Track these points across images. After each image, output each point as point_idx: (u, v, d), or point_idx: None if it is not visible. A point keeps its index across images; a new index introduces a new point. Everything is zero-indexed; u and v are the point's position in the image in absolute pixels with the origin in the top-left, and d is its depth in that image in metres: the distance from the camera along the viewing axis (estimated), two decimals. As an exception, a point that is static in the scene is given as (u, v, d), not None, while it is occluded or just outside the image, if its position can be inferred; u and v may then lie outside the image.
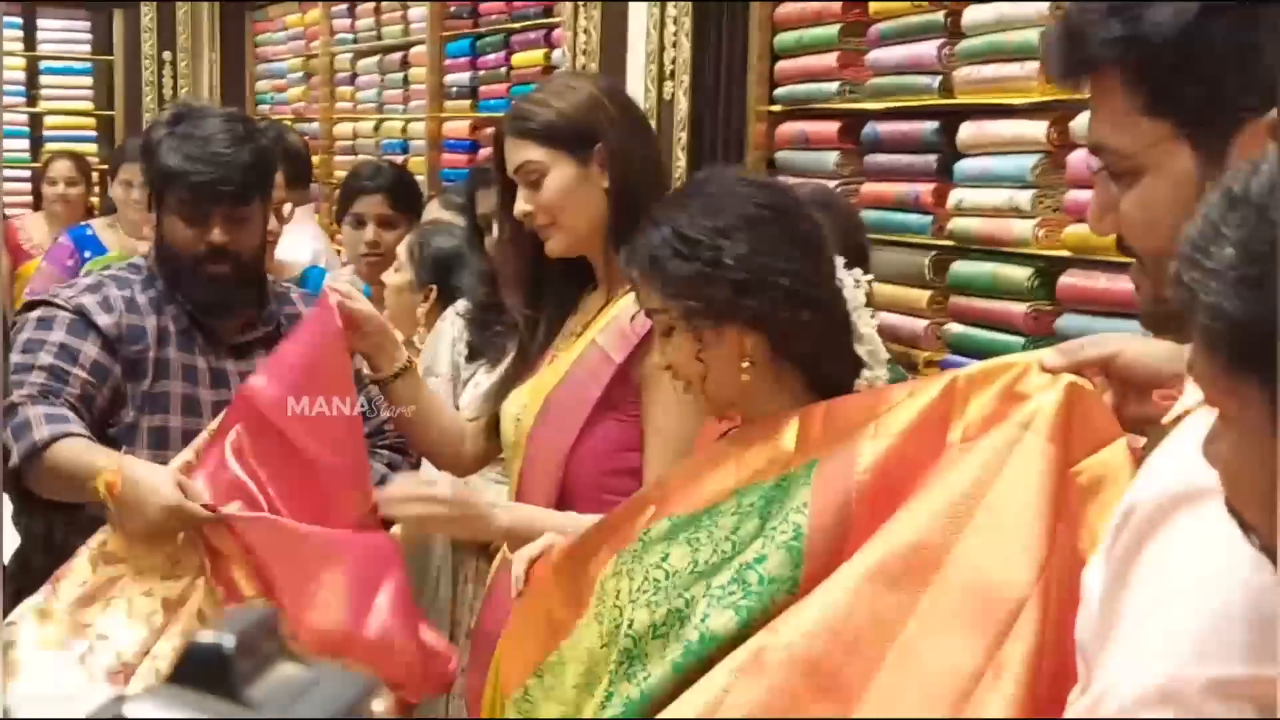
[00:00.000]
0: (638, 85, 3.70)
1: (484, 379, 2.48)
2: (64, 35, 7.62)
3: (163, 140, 2.31)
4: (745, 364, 1.69)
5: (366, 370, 2.32)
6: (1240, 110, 1.10)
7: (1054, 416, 1.40)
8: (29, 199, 6.86)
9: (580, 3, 4.00)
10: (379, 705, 0.67)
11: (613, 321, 2.09)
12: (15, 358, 2.21)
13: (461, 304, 2.69)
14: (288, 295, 2.50)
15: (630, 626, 1.61)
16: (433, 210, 3.43)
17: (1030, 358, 1.47)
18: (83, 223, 5.02)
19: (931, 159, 2.90)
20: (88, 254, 4.56)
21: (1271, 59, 1.09)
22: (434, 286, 2.99)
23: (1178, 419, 1.13)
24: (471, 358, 2.61)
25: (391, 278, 3.13)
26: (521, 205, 2.20)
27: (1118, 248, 1.24)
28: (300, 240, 4.15)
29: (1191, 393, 1.11)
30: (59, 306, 2.30)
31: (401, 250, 3.07)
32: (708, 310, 1.67)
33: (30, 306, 2.34)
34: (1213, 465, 0.97)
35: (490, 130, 4.81)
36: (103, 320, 2.28)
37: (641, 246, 1.72)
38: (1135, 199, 1.16)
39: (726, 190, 1.75)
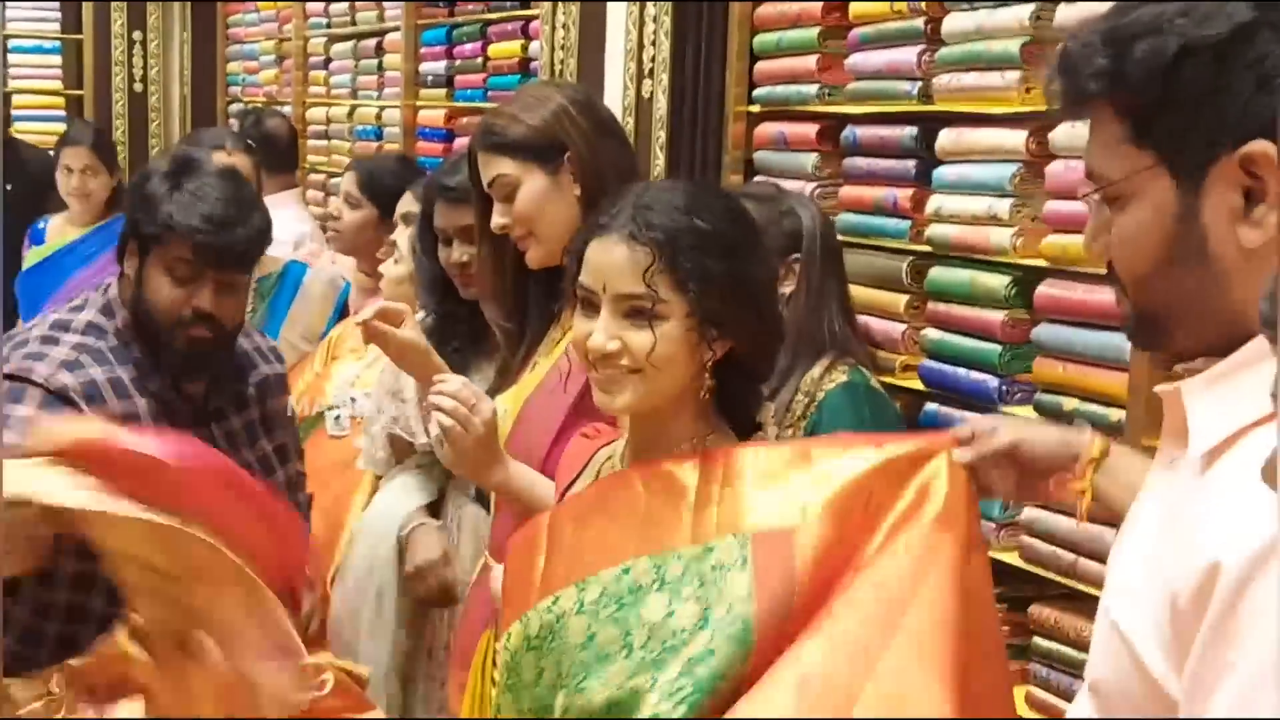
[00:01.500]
0: (616, 83, 3.70)
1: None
2: (33, 14, 7.53)
3: (165, 194, 2.22)
4: (708, 375, 1.67)
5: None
6: (1215, 145, 1.17)
7: (961, 514, 1.54)
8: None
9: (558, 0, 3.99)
10: None
11: None
12: None
13: (419, 316, 2.66)
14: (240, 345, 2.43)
15: (569, 712, 1.57)
16: (411, 201, 3.41)
17: (941, 445, 1.57)
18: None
19: (910, 164, 2.91)
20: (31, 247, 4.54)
21: (1246, 98, 1.16)
22: None
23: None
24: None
25: (391, 269, 3.13)
26: (498, 219, 2.25)
27: (1105, 275, 1.30)
28: (284, 222, 4.14)
29: (1200, 440, 1.16)
30: (36, 383, 2.14)
31: (403, 242, 3.06)
32: (719, 315, 1.65)
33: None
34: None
35: (465, 120, 4.81)
36: (85, 409, 2.14)
37: (667, 227, 1.63)
38: (1121, 224, 1.23)
39: (731, 201, 1.77)
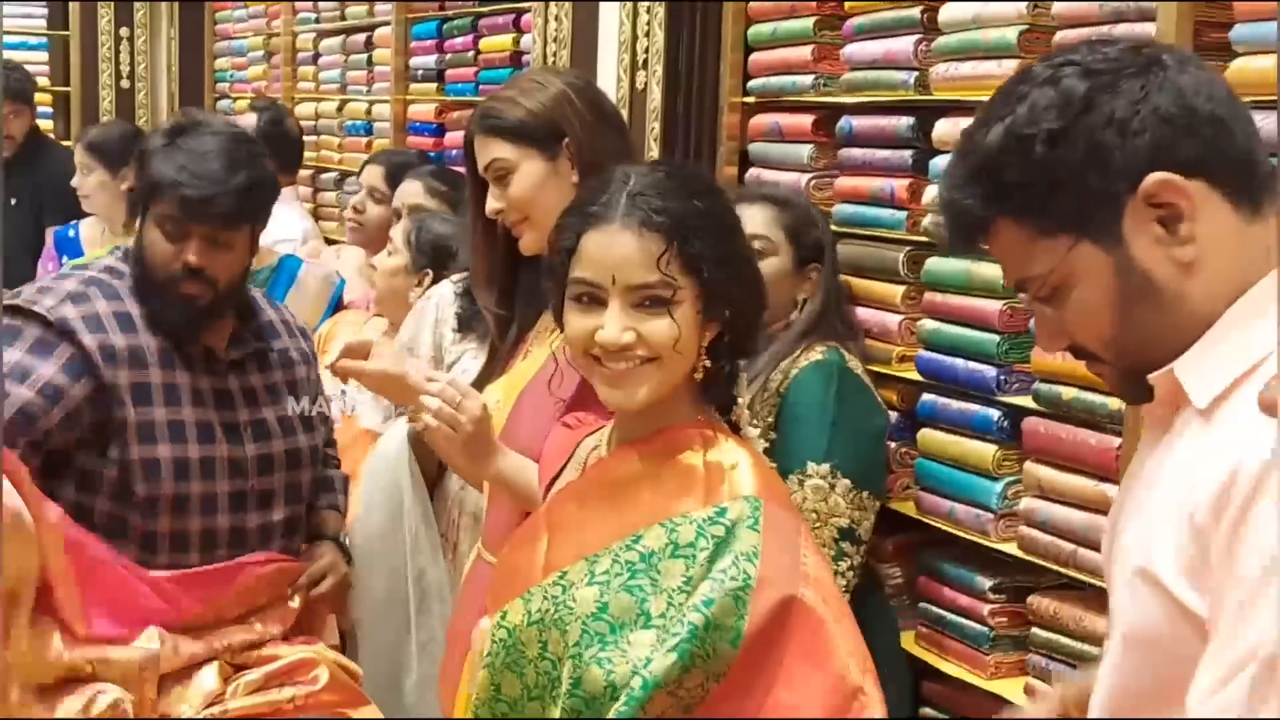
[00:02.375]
0: (610, 75, 3.68)
1: (471, 364, 2.45)
2: (19, 10, 7.48)
3: (159, 150, 2.23)
4: (704, 356, 1.68)
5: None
6: (1114, 199, 1.28)
7: None
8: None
9: (551, -10, 3.98)
10: None
11: None
12: None
13: (457, 276, 2.61)
14: (257, 305, 2.45)
15: (578, 686, 1.56)
16: (410, 193, 3.39)
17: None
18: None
19: (907, 154, 2.90)
20: (64, 260, 4.29)
21: (1118, 150, 1.27)
22: (429, 272, 2.97)
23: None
24: (461, 330, 2.55)
25: (385, 261, 3.12)
26: (492, 203, 2.24)
27: (1076, 357, 1.40)
28: (289, 220, 4.12)
29: (1201, 395, 1.29)
30: (34, 317, 2.18)
31: (397, 234, 3.05)
32: (727, 294, 1.65)
33: (9, 311, 2.23)
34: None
35: (456, 114, 4.79)
36: (87, 339, 2.18)
37: (674, 210, 1.63)
38: (1074, 307, 1.34)
39: (709, 179, 1.80)
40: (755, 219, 2.71)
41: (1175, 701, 1.23)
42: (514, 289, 2.35)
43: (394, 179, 3.66)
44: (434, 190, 3.35)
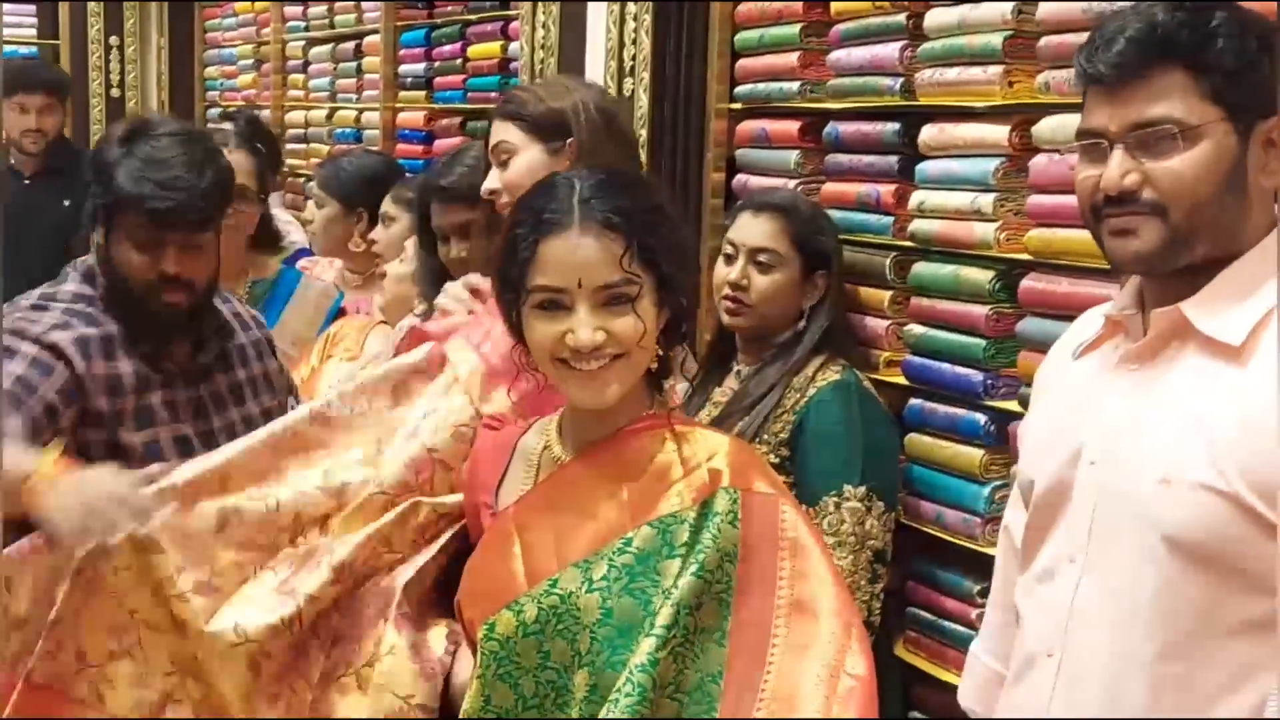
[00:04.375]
0: (596, 81, 3.68)
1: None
2: (9, 19, 7.48)
3: (119, 161, 2.19)
4: (656, 343, 1.72)
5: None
6: (1260, 112, 1.58)
7: None
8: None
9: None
10: None
11: None
12: None
13: (420, 308, 2.70)
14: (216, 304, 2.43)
15: (595, 691, 1.60)
16: (387, 205, 3.40)
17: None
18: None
19: (893, 160, 2.90)
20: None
21: (1271, 79, 1.57)
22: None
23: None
24: None
25: (395, 268, 3.13)
26: (488, 184, 2.32)
27: (1116, 204, 1.61)
28: (288, 229, 4.10)
29: (1233, 332, 1.58)
30: (28, 339, 2.15)
31: (410, 243, 3.06)
32: (678, 282, 1.72)
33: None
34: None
35: (445, 121, 4.80)
36: (79, 365, 2.16)
37: (628, 210, 1.68)
38: (1185, 159, 1.57)
39: (641, 174, 1.86)
40: (761, 232, 2.72)
41: (1235, 597, 1.53)
42: None
43: (333, 184, 3.70)
44: (398, 198, 3.37)
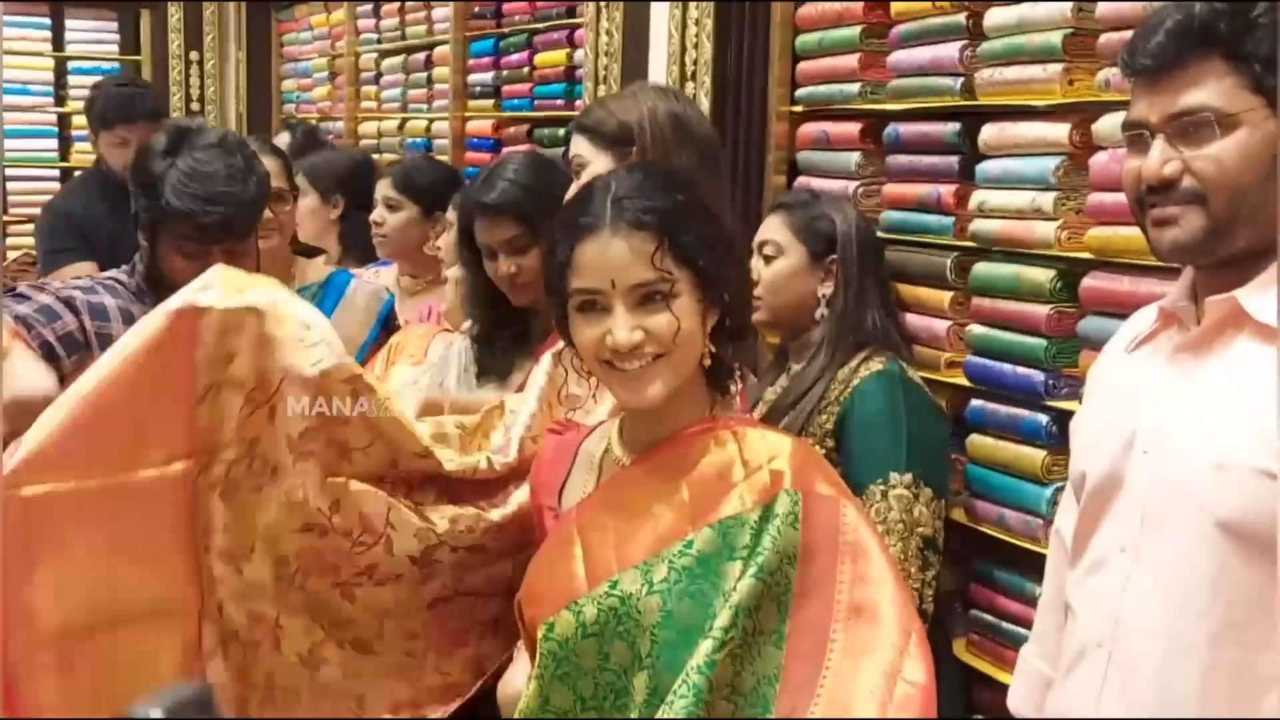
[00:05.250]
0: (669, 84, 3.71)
1: (494, 396, 2.49)
2: (92, 35, 7.66)
3: (165, 174, 2.25)
4: (708, 342, 1.71)
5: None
6: None
7: None
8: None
9: (603, 3, 4.01)
10: None
11: None
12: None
13: (466, 325, 2.69)
14: None
15: (656, 695, 1.59)
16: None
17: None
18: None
19: (953, 160, 2.89)
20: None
21: None
22: None
23: None
24: (480, 374, 2.61)
25: (457, 273, 3.14)
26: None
27: (1157, 190, 1.61)
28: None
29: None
30: (48, 293, 2.24)
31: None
32: (718, 278, 1.69)
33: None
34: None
35: (513, 129, 4.84)
36: (88, 322, 2.24)
37: (659, 208, 1.67)
38: (1226, 146, 1.57)
39: (681, 172, 1.87)
40: (765, 226, 2.77)
41: None
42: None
43: (407, 187, 3.73)
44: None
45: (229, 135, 2.40)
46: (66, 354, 2.19)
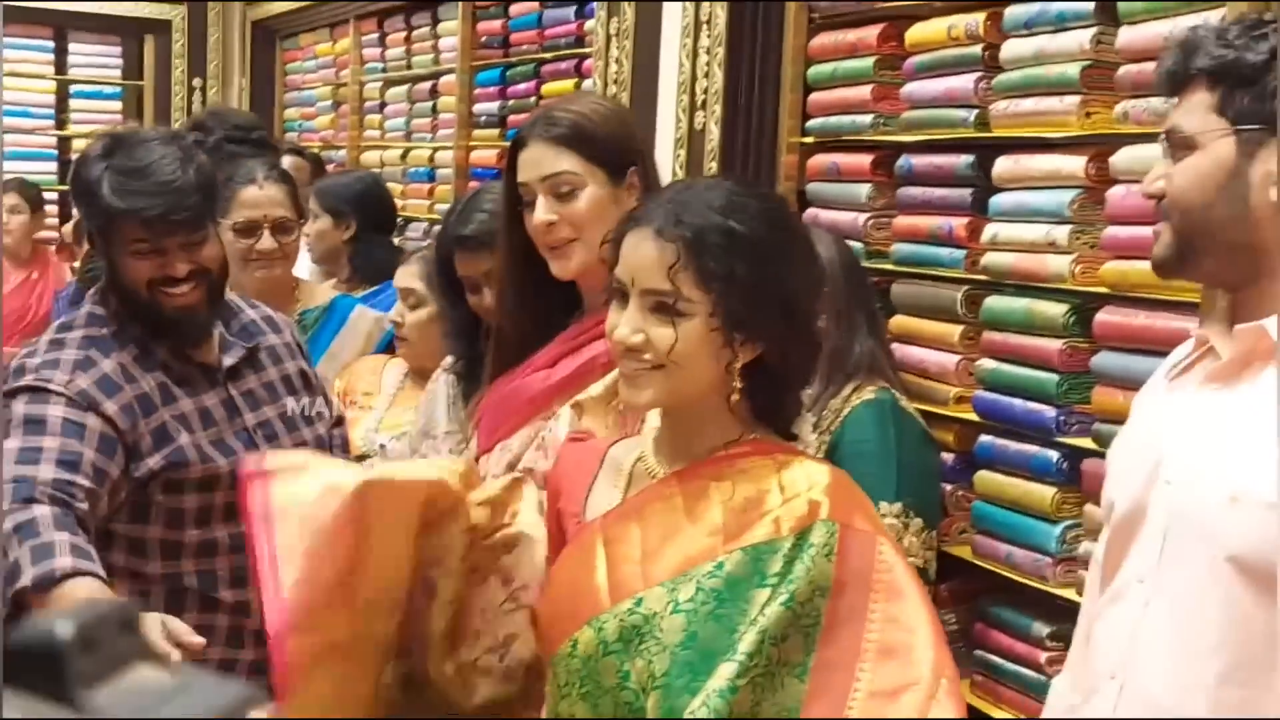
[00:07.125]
0: (669, 115, 3.68)
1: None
2: (95, 59, 7.65)
3: (101, 177, 2.15)
4: (736, 378, 1.64)
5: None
6: (1265, 128, 1.56)
7: None
8: (56, 220, 6.90)
9: (612, 34, 3.99)
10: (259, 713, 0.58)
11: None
12: (10, 446, 2.00)
13: (448, 360, 2.63)
14: (235, 306, 2.44)
15: (668, 713, 1.54)
16: (403, 279, 3.27)
17: None
18: None
19: (966, 193, 2.86)
20: None
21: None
22: None
23: None
24: (468, 409, 2.53)
25: (413, 315, 3.04)
26: (545, 214, 2.10)
27: (1157, 208, 1.65)
28: None
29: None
30: (52, 393, 2.10)
31: (423, 287, 2.99)
32: (747, 317, 1.61)
33: (16, 393, 2.11)
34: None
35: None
36: (109, 408, 2.12)
37: (693, 225, 1.60)
38: (1184, 166, 1.60)
39: (775, 207, 1.72)
40: None
41: None
42: (542, 317, 2.26)
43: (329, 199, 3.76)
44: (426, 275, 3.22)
45: (165, 130, 2.35)
46: (109, 458, 2.10)
